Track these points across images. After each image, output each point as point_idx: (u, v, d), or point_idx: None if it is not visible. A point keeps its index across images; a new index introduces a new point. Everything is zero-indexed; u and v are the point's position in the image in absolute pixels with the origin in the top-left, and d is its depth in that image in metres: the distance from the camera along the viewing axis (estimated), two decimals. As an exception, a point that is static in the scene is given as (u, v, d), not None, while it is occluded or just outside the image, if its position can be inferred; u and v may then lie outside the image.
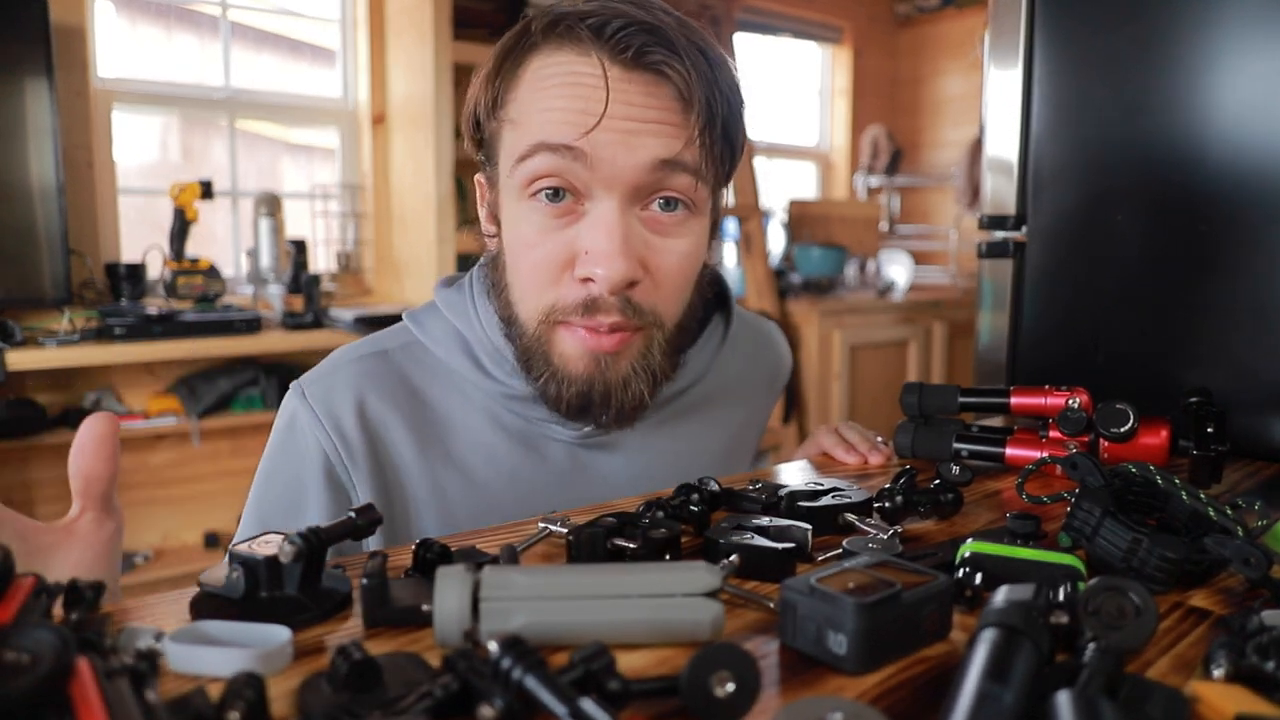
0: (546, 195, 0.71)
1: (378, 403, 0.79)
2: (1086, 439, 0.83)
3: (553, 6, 0.72)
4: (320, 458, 0.77)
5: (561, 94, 0.69)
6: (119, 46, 2.52)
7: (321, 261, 2.85)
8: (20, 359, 2.04)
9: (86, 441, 0.55)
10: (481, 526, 0.79)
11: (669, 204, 0.72)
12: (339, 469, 0.77)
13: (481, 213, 0.82)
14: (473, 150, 0.80)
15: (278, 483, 0.79)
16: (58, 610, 0.45)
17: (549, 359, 0.75)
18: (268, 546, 0.51)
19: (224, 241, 2.77)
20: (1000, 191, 1.14)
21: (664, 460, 0.88)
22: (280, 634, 0.45)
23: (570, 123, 0.68)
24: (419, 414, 0.80)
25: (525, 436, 0.82)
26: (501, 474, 0.80)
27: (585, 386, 0.74)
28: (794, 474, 0.89)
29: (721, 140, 0.72)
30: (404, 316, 0.85)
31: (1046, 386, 0.87)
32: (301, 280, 2.54)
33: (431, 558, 0.55)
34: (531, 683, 0.38)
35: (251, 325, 2.36)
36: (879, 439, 0.94)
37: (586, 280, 0.71)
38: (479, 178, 0.82)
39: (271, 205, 2.55)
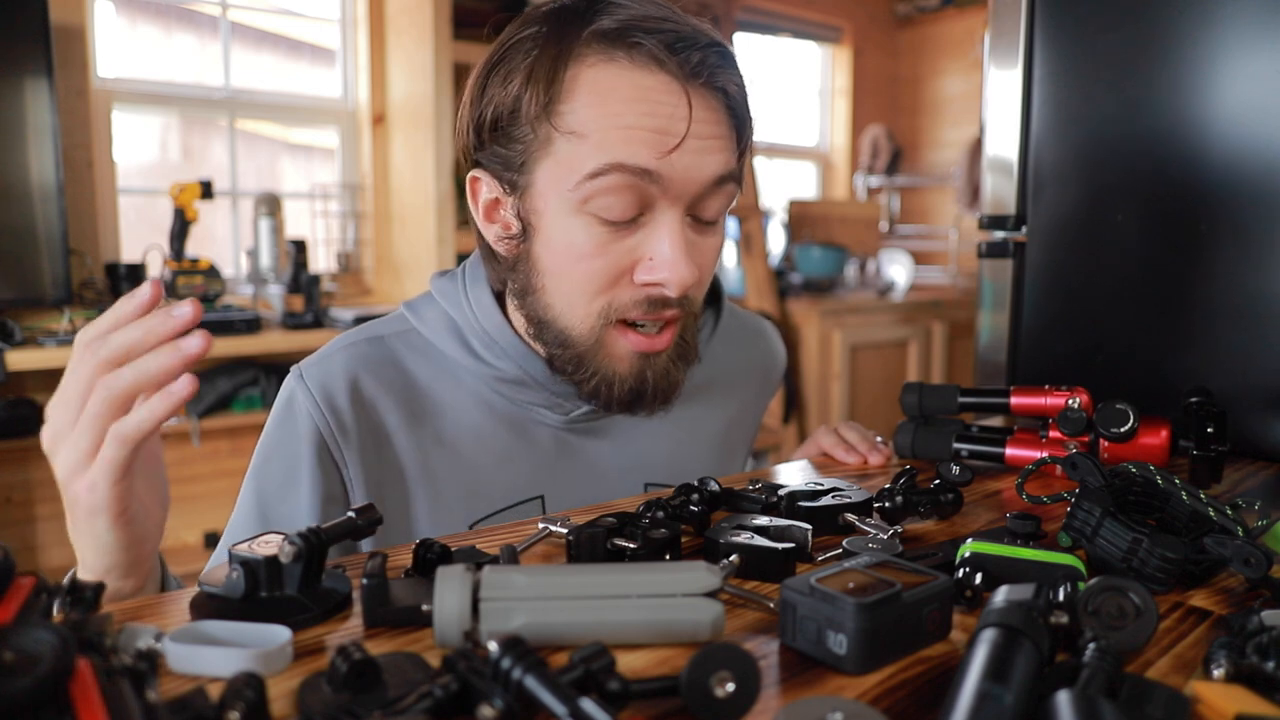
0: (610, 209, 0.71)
1: (371, 383, 0.80)
2: (1086, 439, 0.83)
3: (586, 10, 0.70)
4: (314, 433, 0.78)
5: (636, 111, 0.69)
6: (119, 46, 2.52)
7: (321, 261, 2.85)
8: (20, 359, 2.03)
9: None
10: (470, 505, 0.80)
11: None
12: (331, 444, 0.78)
13: (476, 214, 0.79)
14: (477, 147, 0.76)
15: (274, 460, 0.80)
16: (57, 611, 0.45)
17: (596, 363, 0.76)
18: (268, 546, 0.51)
19: (224, 241, 2.76)
20: (1000, 191, 1.14)
21: (652, 447, 0.89)
22: (280, 634, 0.45)
23: (647, 143, 0.69)
24: (411, 395, 0.82)
25: (513, 419, 0.83)
26: (490, 455, 0.82)
27: (637, 382, 0.77)
28: (794, 474, 0.89)
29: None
30: (401, 306, 0.87)
31: (1046, 386, 0.87)
32: (301, 280, 2.53)
33: (431, 558, 0.55)
34: (531, 683, 0.38)
35: (251, 325, 2.35)
36: (879, 439, 0.94)
37: (649, 285, 0.73)
38: (477, 175, 0.78)
39: (271, 205, 2.55)
